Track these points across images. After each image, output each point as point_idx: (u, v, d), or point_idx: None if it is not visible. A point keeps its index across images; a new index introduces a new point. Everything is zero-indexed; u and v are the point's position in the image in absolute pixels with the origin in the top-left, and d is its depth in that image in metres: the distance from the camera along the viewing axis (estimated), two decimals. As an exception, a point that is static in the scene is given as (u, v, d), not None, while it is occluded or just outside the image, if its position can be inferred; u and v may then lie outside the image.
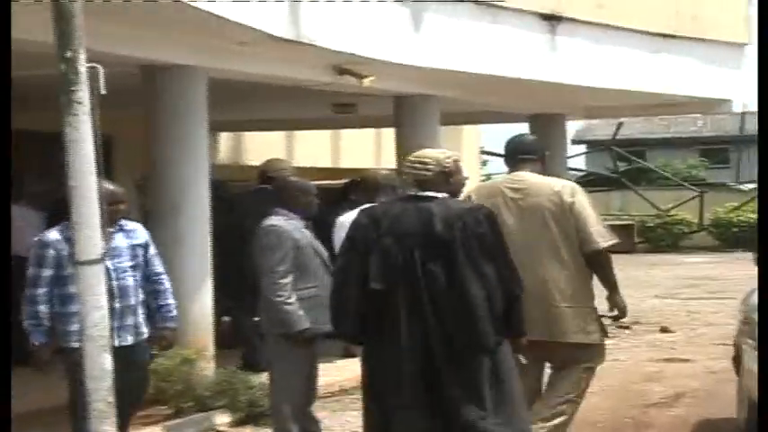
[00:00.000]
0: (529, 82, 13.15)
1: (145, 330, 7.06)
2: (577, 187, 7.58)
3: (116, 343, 6.48)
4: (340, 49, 10.45)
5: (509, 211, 7.35)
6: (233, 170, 16.38)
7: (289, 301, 7.57)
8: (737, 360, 8.77)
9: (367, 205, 7.14)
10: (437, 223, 6.19)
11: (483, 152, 27.55)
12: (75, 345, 6.41)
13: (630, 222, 33.38)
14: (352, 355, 11.85)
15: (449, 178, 6.44)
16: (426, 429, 6.13)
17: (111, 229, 6.70)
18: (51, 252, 6.76)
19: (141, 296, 7.04)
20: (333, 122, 17.72)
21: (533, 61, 12.89)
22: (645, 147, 47.97)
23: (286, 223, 7.75)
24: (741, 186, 36.78)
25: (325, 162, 19.55)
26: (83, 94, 5.68)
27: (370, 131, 19.70)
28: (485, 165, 33.89)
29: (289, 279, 7.64)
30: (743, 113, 35.28)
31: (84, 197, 5.71)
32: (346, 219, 7.76)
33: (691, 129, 47.77)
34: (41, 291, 6.76)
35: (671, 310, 17.40)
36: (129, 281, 6.91)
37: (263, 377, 8.82)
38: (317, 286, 7.77)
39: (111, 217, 6.59)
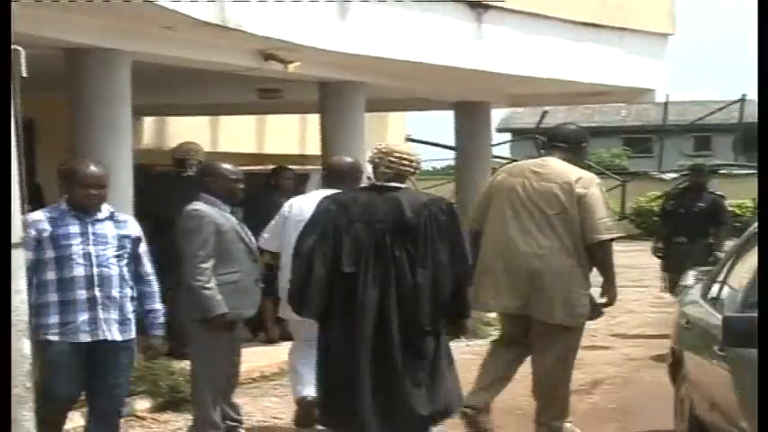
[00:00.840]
0: (455, 69, 13.16)
1: (133, 330, 6.62)
2: (594, 180, 7.92)
3: (99, 336, 6.39)
4: (266, 35, 10.39)
5: (523, 191, 7.85)
6: (157, 155, 16.26)
7: (207, 285, 7.57)
8: (675, 368, 7.79)
9: (328, 192, 7.71)
10: (406, 211, 6.81)
11: (409, 139, 27.55)
12: (53, 338, 6.35)
13: (554, 210, 33.62)
14: (272, 341, 11.94)
15: (414, 173, 7.22)
16: (371, 403, 6.72)
17: (98, 215, 6.52)
18: (32, 233, 6.32)
19: (130, 292, 6.60)
20: (258, 108, 17.68)
21: (459, 49, 12.90)
22: (569, 135, 48.28)
23: (208, 208, 7.74)
24: (663, 176, 37.16)
25: (249, 148, 19.48)
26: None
27: (296, 117, 19.67)
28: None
29: (209, 264, 7.63)
30: (666, 103, 35.71)
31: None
32: (295, 205, 8.53)
33: (614, 118, 48.31)
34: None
35: (592, 298, 17.49)
36: (113, 270, 6.48)
37: (185, 363, 8.87)
38: (240, 272, 7.80)
39: (91, 201, 6.48)
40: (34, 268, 6.28)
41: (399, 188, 7.02)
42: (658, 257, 13.67)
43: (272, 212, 9.24)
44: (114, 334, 6.46)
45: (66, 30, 9.24)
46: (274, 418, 9.31)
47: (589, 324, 14.23)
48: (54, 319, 6.35)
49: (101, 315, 6.40)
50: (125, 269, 6.56)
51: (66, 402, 6.64)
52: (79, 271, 6.40)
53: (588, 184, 7.76)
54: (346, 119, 13.30)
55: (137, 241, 6.67)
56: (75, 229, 6.45)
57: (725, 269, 7.31)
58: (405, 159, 7.08)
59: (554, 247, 7.73)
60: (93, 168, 6.56)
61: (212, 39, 10.23)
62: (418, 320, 6.72)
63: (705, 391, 6.90)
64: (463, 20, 12.91)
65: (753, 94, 48.78)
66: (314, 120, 14.87)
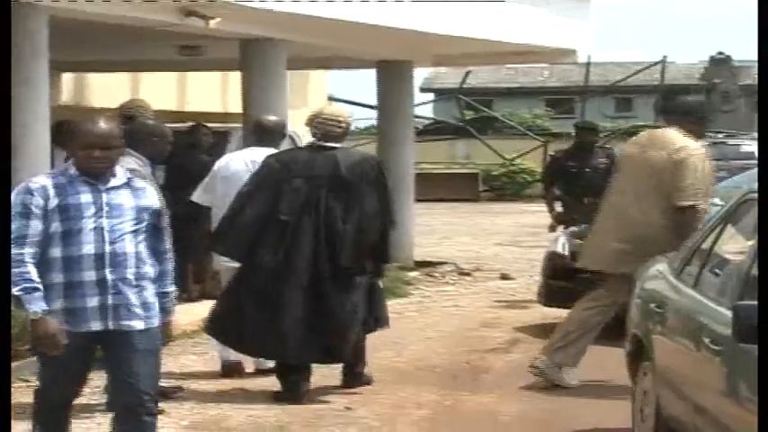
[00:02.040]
0: (377, 27, 13.14)
1: (156, 314, 5.69)
2: (697, 151, 8.49)
3: (110, 325, 5.53)
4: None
5: (635, 158, 8.72)
6: (75, 112, 16.10)
7: None
8: (635, 357, 6.81)
9: (256, 149, 8.88)
10: (342, 168, 7.98)
11: (331, 98, 27.55)
12: (84, 327, 5.52)
13: (475, 171, 33.82)
14: (192, 300, 11.96)
15: (343, 133, 8.26)
16: (304, 326, 7.99)
17: (112, 182, 5.61)
18: (38, 201, 5.49)
19: (151, 271, 5.66)
20: (179, 65, 17.53)
21: (382, 7, 12.90)
22: (492, 96, 48.51)
23: (135, 165, 7.69)
24: (585, 136, 37.45)
25: (170, 105, 19.33)
26: None
27: (217, 75, 19.55)
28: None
29: None
30: (587, 64, 35.92)
31: None
32: (224, 161, 9.25)
33: (537, 79, 48.54)
34: (30, 251, 5.43)
35: (512, 258, 17.69)
36: (129, 247, 5.55)
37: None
38: None
39: (95, 164, 5.56)
40: (40, 242, 5.47)
41: (336, 147, 8.14)
42: (561, 222, 12.45)
43: (192, 169, 9.24)
44: (131, 321, 5.57)
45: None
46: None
47: (506, 284, 14.38)
48: (58, 305, 5.47)
49: (110, 300, 5.52)
50: (143, 246, 5.65)
51: (61, 405, 5.86)
52: (89, 249, 5.49)
53: (689, 153, 8.38)
54: (268, 77, 13.23)
55: (156, 214, 5.75)
56: (86, 197, 5.53)
57: (706, 244, 6.34)
58: (332, 120, 8.18)
59: (657, 211, 8.38)
60: (95, 125, 5.61)
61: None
62: (343, 261, 7.95)
63: (684, 389, 5.86)
64: (386, -22, 12.90)
65: (673, 56, 49.38)
66: (236, 77, 14.80)
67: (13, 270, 5.35)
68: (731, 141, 31.35)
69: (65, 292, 5.48)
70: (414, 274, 14.58)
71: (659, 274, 6.86)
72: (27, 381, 7.87)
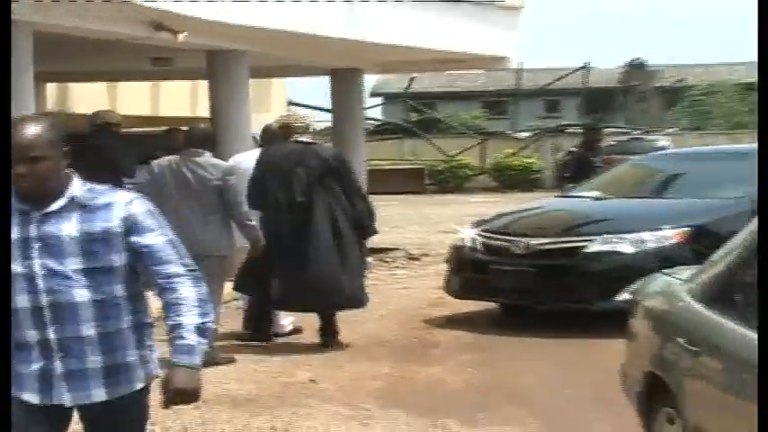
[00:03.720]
0: (329, 39, 13.16)
1: (139, 376, 3.78)
2: None
3: (54, 399, 3.70)
4: (154, 6, 10.30)
5: None
6: (60, 118, 15.97)
7: None
8: (651, 404, 5.07)
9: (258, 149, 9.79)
10: (327, 158, 9.04)
11: (290, 103, 27.46)
12: (13, 392, 3.67)
13: (421, 167, 33.84)
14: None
15: (304, 130, 9.28)
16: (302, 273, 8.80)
17: (50, 206, 3.66)
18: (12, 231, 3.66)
19: (131, 320, 3.73)
20: (152, 75, 17.48)
21: (333, 21, 12.89)
22: (434, 99, 48.55)
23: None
24: (517, 135, 37.63)
25: (145, 111, 19.25)
26: None
27: (187, 83, 19.46)
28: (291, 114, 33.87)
29: None
30: (518, 70, 36.03)
31: None
32: (237, 160, 9.76)
33: (474, 84, 48.49)
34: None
35: (455, 244, 17.64)
36: (80, 295, 3.61)
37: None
38: None
39: (19, 184, 3.63)
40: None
41: (312, 143, 9.27)
42: None
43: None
44: (90, 392, 3.70)
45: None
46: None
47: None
48: (13, 365, 3.67)
49: (58, 367, 3.66)
50: (117, 288, 3.69)
51: None
52: (23, 300, 3.65)
53: None
54: (232, 85, 13.23)
55: (133, 231, 3.67)
56: (16, 231, 3.66)
57: (740, 266, 4.57)
58: (301, 122, 9.41)
59: None
60: (15, 132, 3.60)
61: (107, 10, 10.07)
62: (366, 222, 9.11)
63: None
64: (338, -6, 12.89)
65: (594, 62, 49.52)
66: (204, 85, 14.74)
67: None
68: (648, 137, 31.55)
69: (16, 351, 3.68)
70: (368, 259, 14.54)
71: (670, 294, 5.25)
72: None
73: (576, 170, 14.19)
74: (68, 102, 18.63)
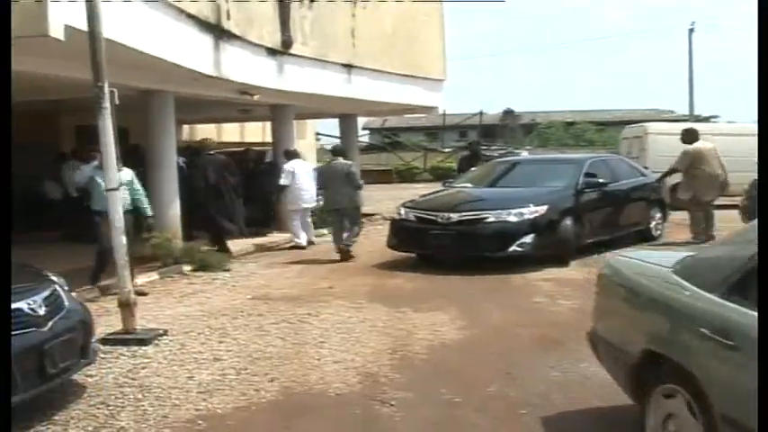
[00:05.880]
0: (338, 98, 13.11)
1: None
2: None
3: None
4: (240, 80, 10.17)
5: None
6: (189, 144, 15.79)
7: None
8: (644, 375, 3.24)
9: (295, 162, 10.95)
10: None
11: (318, 134, 27.28)
12: None
13: (390, 168, 33.70)
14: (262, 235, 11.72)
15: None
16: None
17: None
18: None
19: None
20: (239, 119, 17.33)
21: (339, 88, 12.83)
22: (398, 131, 48.17)
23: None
24: (444, 150, 37.52)
25: (236, 138, 19.07)
26: (107, 104, 5.46)
27: (259, 123, 19.28)
28: (318, 140, 33.68)
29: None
30: (443, 114, 35.75)
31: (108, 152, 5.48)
32: (292, 165, 10.86)
33: (419, 121, 48.06)
34: None
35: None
36: None
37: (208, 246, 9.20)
38: None
39: None
40: None
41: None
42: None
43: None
44: None
45: (138, 79, 8.87)
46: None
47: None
48: None
49: None
50: None
51: None
52: None
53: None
54: (284, 124, 13.13)
55: None
56: None
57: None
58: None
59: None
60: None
61: (217, 84, 9.92)
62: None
63: None
64: (340, 73, 12.77)
65: (487, 109, 49.29)
66: (268, 125, 14.64)
67: None
68: (516, 151, 31.44)
69: None
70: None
71: (668, 281, 3.23)
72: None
73: (465, 170, 12.81)
74: (194, 135, 18.41)
